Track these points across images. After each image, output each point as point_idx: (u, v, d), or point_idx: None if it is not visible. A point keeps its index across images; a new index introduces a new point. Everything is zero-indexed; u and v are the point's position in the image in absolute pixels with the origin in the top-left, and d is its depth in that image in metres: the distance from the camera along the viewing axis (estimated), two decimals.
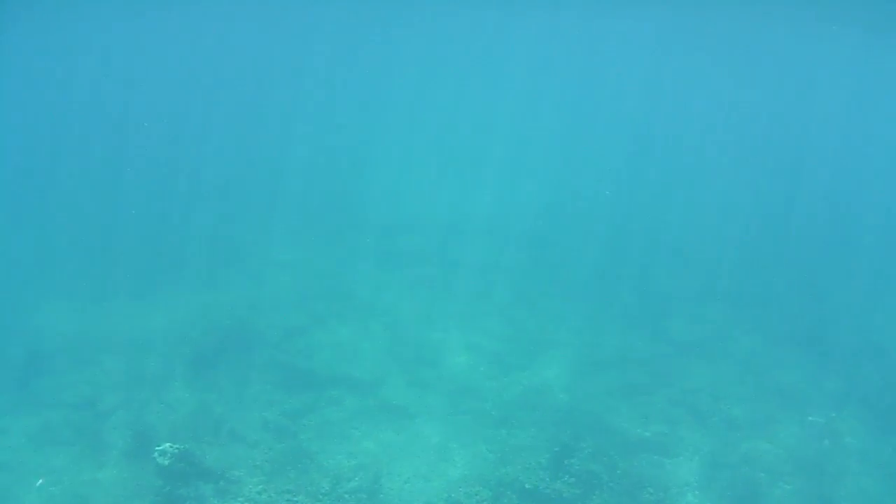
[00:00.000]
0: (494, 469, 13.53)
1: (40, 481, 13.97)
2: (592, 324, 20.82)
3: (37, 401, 15.72)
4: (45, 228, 26.67)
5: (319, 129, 46.45)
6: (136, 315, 19.62)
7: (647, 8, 34.05)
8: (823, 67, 51.07)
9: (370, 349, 18.14)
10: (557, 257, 26.34)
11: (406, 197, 32.85)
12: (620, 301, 22.60)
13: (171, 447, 12.43)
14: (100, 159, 34.31)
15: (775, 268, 26.87)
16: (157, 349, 17.63)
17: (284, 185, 31.62)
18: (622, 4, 34.02)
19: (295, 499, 11.56)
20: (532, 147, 46.74)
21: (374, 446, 14.27)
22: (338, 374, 16.76)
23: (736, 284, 24.47)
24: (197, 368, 16.79)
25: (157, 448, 12.41)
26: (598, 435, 14.91)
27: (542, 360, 18.41)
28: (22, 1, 35.12)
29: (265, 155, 39.04)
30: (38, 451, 13.99)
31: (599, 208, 32.55)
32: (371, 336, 18.88)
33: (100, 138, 38.52)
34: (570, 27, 47.43)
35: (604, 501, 12.73)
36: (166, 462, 12.22)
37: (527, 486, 12.68)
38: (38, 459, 13.66)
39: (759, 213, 33.92)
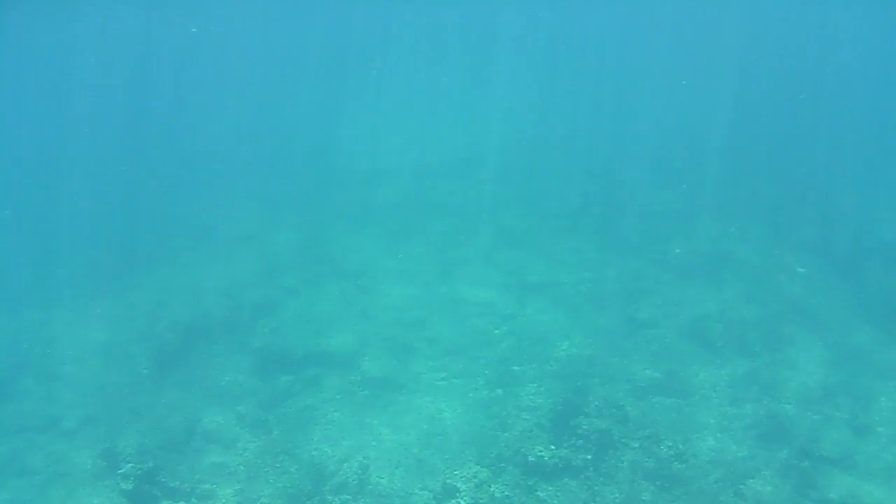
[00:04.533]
0: (493, 439, 12.23)
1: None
2: (585, 257, 19.45)
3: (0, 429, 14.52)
4: None
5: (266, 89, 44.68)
6: (93, 319, 18.19)
7: None
8: None
9: (347, 318, 16.65)
10: (538, 192, 24.63)
11: (373, 147, 31.22)
12: (612, 229, 21.10)
13: (133, 468, 11.28)
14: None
15: (768, 175, 25.15)
16: (120, 351, 16.28)
17: (238, 155, 30.00)
18: None
19: None
20: (496, 84, 45.07)
21: (358, 430, 12.97)
22: (314, 350, 15.34)
23: (730, 197, 23.01)
24: (164, 367, 15.48)
25: (118, 471, 11.24)
26: (606, 384, 13.61)
27: (537, 304, 17.07)
28: None
29: (213, 123, 37.42)
30: (4, 485, 12.74)
31: (575, 136, 31.14)
32: (347, 302, 17.38)
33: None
34: None
35: (617, 462, 11.46)
36: (130, 486, 11.07)
37: (530, 458, 11.36)
38: (4, 496, 12.43)
39: (744, 119, 32.16)
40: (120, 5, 37.55)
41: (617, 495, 10.77)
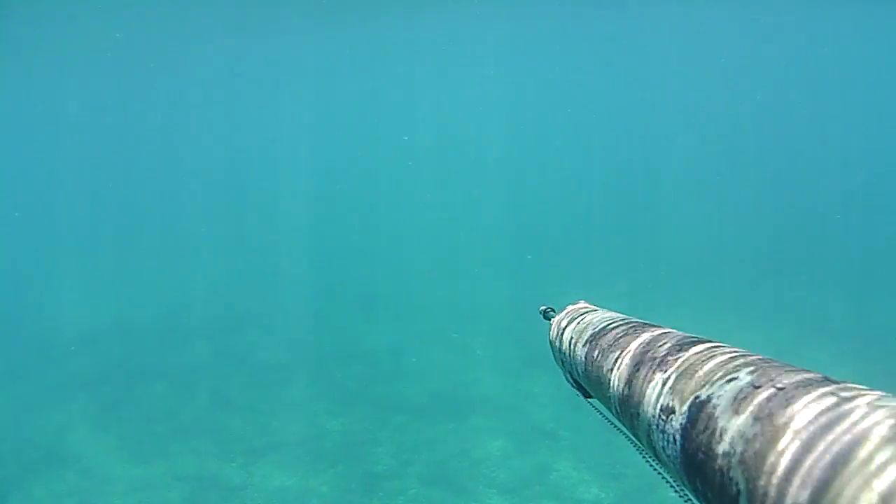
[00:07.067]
0: None
1: None
2: (301, 411, 19.63)
3: None
4: None
5: None
6: None
7: None
8: None
9: None
10: (245, 345, 25.26)
11: (73, 308, 30.36)
12: (326, 375, 21.79)
13: None
14: None
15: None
16: None
17: None
18: None
19: None
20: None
21: None
22: None
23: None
24: None
25: None
26: None
27: (264, 470, 17.04)
28: None
29: None
30: None
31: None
32: (70, 490, 16.56)
33: None
34: None
35: None
36: None
37: None
38: None
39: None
40: None
41: None
